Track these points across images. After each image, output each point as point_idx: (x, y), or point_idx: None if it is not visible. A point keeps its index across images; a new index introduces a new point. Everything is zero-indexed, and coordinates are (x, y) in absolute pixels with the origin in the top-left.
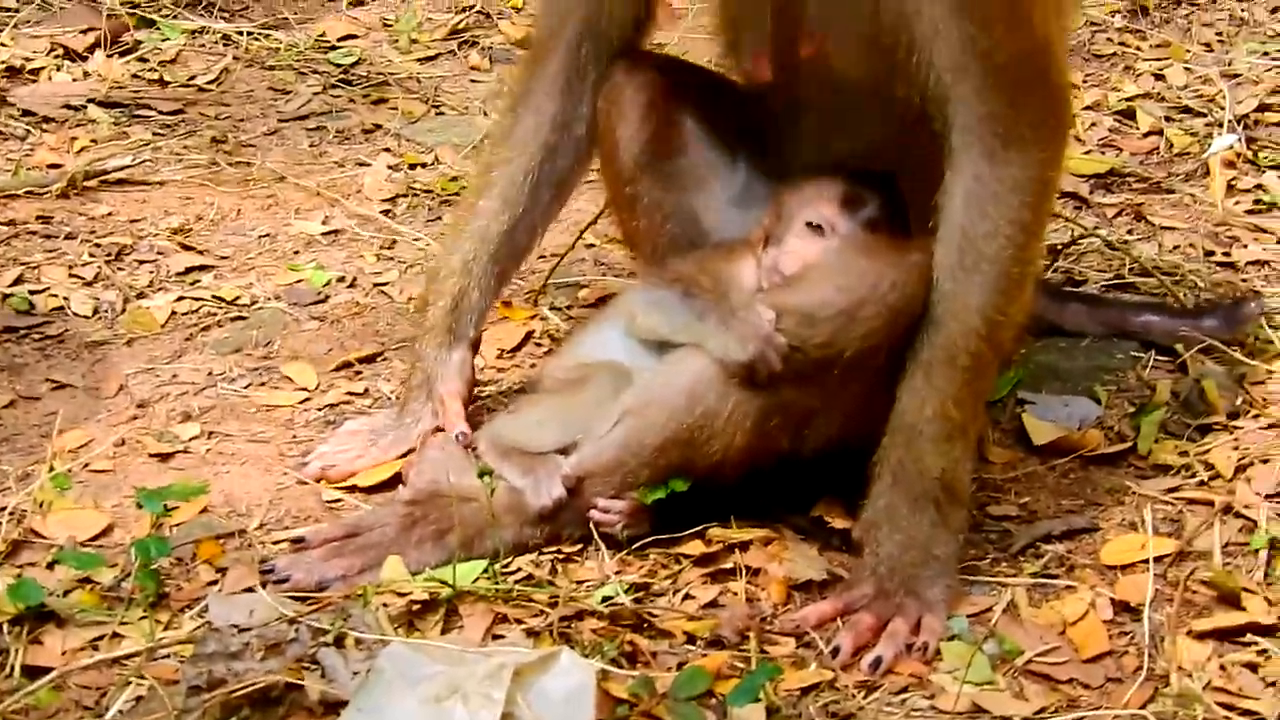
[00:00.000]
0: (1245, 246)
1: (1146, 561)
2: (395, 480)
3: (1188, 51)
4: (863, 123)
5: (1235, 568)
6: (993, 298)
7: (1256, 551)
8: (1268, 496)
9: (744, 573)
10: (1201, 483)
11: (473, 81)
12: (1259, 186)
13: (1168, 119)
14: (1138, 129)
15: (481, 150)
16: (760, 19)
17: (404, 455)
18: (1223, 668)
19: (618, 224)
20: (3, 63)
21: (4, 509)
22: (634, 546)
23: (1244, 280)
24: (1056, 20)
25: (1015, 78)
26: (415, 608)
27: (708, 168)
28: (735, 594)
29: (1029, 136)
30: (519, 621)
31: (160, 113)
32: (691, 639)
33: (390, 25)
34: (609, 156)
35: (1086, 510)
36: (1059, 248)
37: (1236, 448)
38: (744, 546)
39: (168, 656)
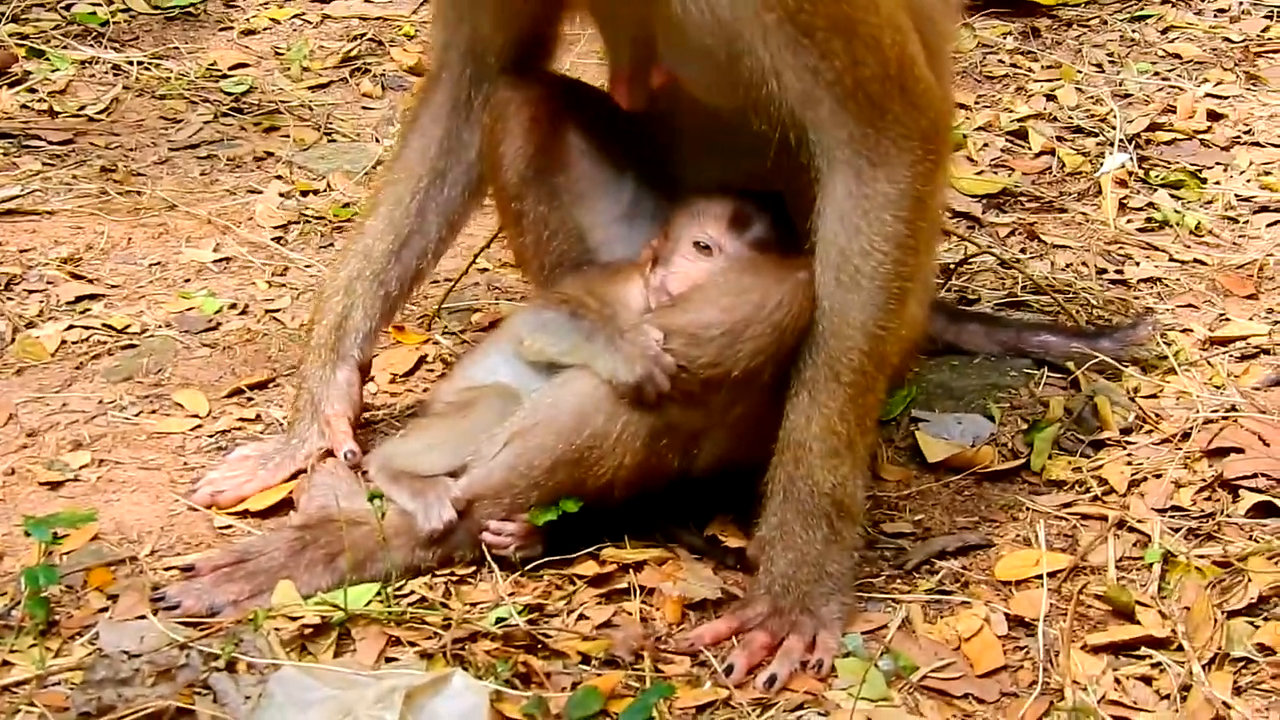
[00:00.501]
0: (1137, 264)
1: (1040, 577)
2: (287, 504)
3: (1079, 72)
4: (734, 147)
5: (1129, 582)
6: (873, 313)
7: (1150, 566)
8: (1160, 511)
9: (638, 592)
10: (1095, 498)
11: (365, 108)
12: (1150, 205)
13: (1059, 139)
14: (1030, 149)
15: (375, 176)
16: (620, 48)
17: (292, 477)
18: (1117, 681)
19: (508, 241)
20: None
21: None
22: (527, 568)
23: (1136, 298)
24: (915, 38)
25: (870, 100)
26: (307, 632)
27: (593, 184)
28: (629, 614)
29: (895, 153)
30: (412, 644)
31: (50, 143)
32: (586, 659)
33: (282, 54)
34: (494, 172)
35: (981, 526)
36: (952, 266)
37: (1129, 463)
38: (638, 566)
39: (58, 684)
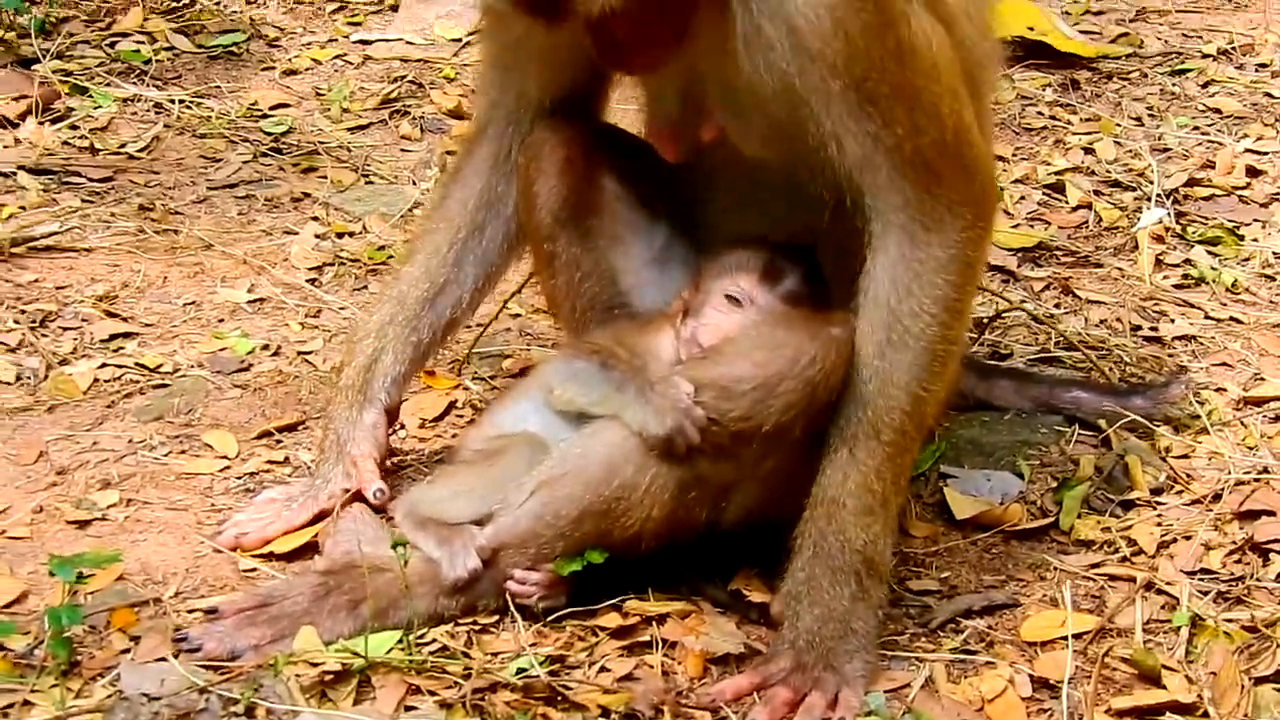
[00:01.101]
0: (1172, 321)
1: (1066, 638)
2: (312, 547)
3: (1118, 125)
4: (776, 204)
5: (1156, 645)
6: (919, 374)
7: (1178, 629)
8: (1190, 573)
9: (660, 646)
10: (1124, 559)
11: (403, 151)
12: (1187, 261)
13: (1097, 193)
14: (1067, 203)
15: (412, 220)
16: (667, 101)
17: (316, 519)
18: None
19: (539, 284)
20: None
21: None
22: (550, 618)
23: (1170, 355)
24: (971, 103)
25: (927, 166)
26: (328, 678)
27: (627, 227)
28: (651, 667)
29: (949, 218)
30: (432, 693)
31: (90, 180)
32: (606, 712)
33: (322, 94)
34: (528, 212)
35: (1007, 585)
36: (985, 321)
37: (1159, 524)
38: (661, 619)
39: None
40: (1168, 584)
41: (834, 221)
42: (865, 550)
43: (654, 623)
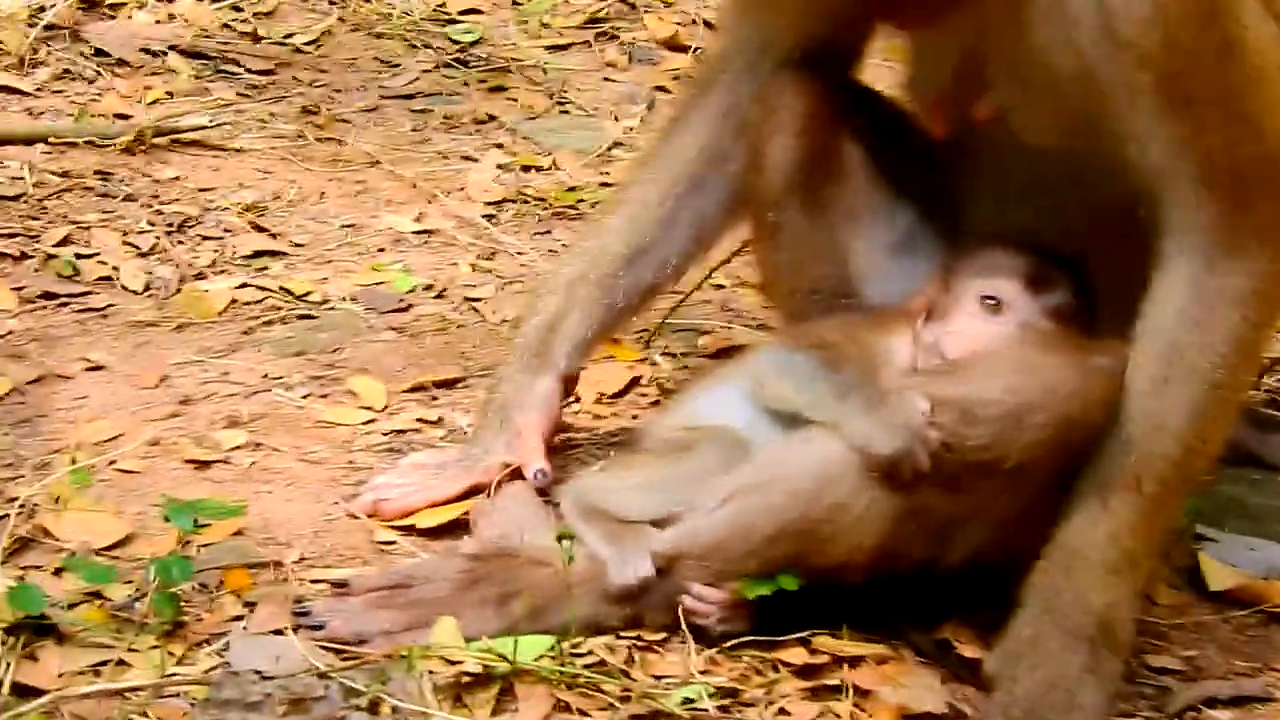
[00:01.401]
0: None
1: None
2: (459, 526)
3: None
4: (1048, 198)
5: None
6: (1195, 420)
7: None
8: None
9: (850, 692)
10: None
11: (606, 80)
12: None
13: None
14: None
15: (608, 160)
16: (940, 70)
17: (468, 493)
18: None
19: (756, 258)
20: None
21: (15, 500)
22: (727, 644)
23: None
24: None
25: (1240, 182)
26: (465, 680)
27: (868, 204)
28: (838, 716)
29: (1255, 245)
30: (582, 713)
31: (249, 71)
32: None
33: (520, 3)
34: (756, 174)
35: (1263, 675)
36: (1269, 362)
37: None
38: (854, 662)
39: (177, 695)
40: None
41: (1113, 231)
42: (1105, 614)
43: (845, 665)
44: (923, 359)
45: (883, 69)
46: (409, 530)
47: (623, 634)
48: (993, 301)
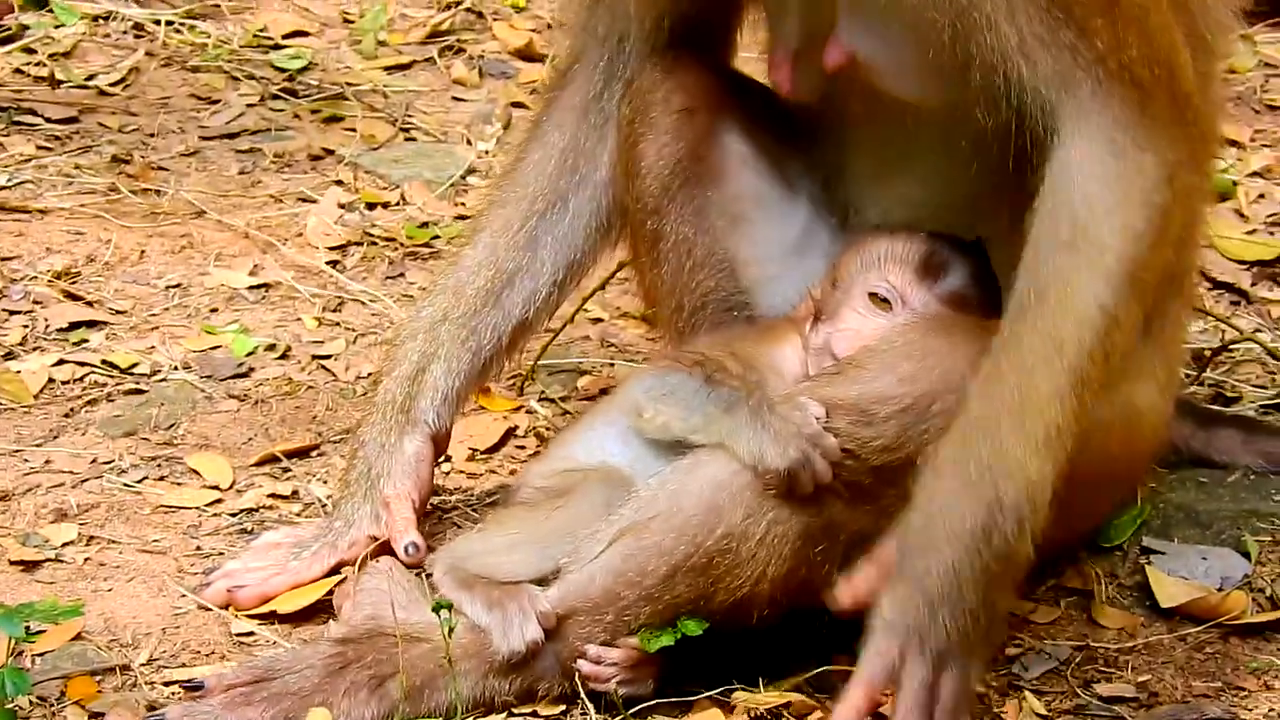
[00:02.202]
0: None
1: None
2: (325, 609)
3: None
4: (927, 160)
5: None
6: (1112, 289)
7: None
8: None
9: None
10: None
11: (455, 99)
12: None
13: None
14: None
15: (464, 190)
16: (788, 22)
17: (333, 572)
18: None
19: (635, 274)
20: None
21: None
22: (631, 710)
23: None
24: (1182, 39)
25: (1136, 85)
26: None
27: (757, 204)
28: None
29: (1164, 142)
30: None
31: (48, 120)
32: None
33: (352, 22)
34: (630, 179)
35: (1224, 695)
36: (1206, 355)
37: None
38: (775, 714)
39: None
40: None
41: (1007, 204)
42: (1029, 491)
43: (767, 718)
44: (814, 363)
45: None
46: (269, 618)
47: (516, 710)
48: (882, 294)
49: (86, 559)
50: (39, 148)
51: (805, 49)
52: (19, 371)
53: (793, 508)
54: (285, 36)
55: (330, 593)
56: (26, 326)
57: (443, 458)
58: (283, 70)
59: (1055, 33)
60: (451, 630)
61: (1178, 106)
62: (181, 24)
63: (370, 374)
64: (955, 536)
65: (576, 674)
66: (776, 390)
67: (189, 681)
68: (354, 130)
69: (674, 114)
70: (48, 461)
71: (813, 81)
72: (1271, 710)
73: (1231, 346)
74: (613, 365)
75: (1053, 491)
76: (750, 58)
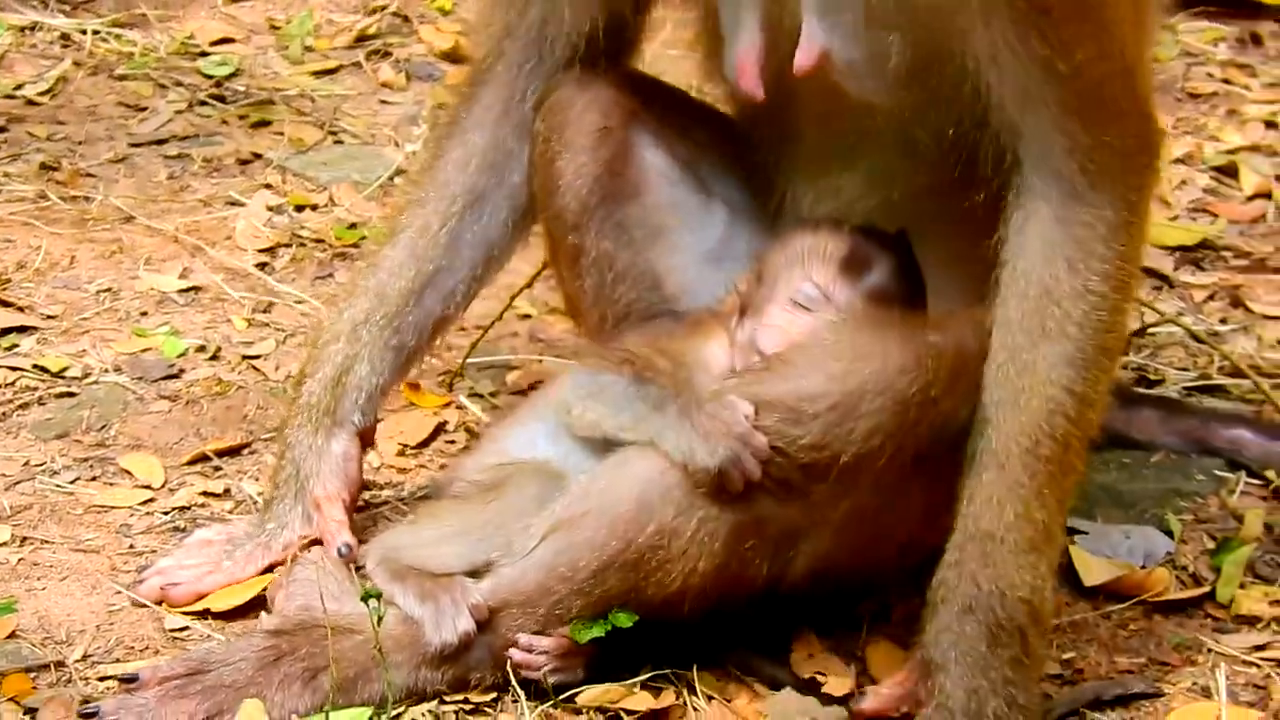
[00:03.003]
0: None
1: None
2: (259, 605)
3: None
4: (880, 164)
5: None
6: (1082, 371)
7: None
8: None
9: None
10: None
11: (383, 102)
12: None
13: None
14: (1240, 190)
15: (393, 191)
16: (743, 17)
17: (266, 571)
18: None
19: (558, 284)
20: None
21: None
22: (562, 696)
23: None
24: (1140, 36)
25: (1102, 102)
26: None
27: (676, 215)
28: None
29: (1121, 170)
30: None
31: None
32: None
33: (279, 28)
34: (548, 196)
35: (1148, 670)
36: (1129, 337)
37: None
38: (708, 698)
39: None
40: None
41: (942, 200)
42: (1032, 599)
43: (694, 708)
44: (740, 359)
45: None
46: (203, 614)
47: (447, 698)
48: (806, 292)
49: (20, 559)
50: None
51: (770, 53)
52: None
53: (723, 505)
54: (212, 44)
55: (264, 590)
56: None
57: (371, 452)
58: (210, 77)
59: (1027, 43)
60: (381, 620)
61: (1142, 115)
62: (108, 33)
63: (296, 373)
64: (965, 656)
65: (508, 663)
66: (704, 387)
67: (124, 676)
68: (282, 134)
69: (590, 133)
70: None
71: (774, 84)
72: (1195, 684)
73: (1155, 330)
74: (541, 361)
75: (1052, 585)
76: (676, 56)
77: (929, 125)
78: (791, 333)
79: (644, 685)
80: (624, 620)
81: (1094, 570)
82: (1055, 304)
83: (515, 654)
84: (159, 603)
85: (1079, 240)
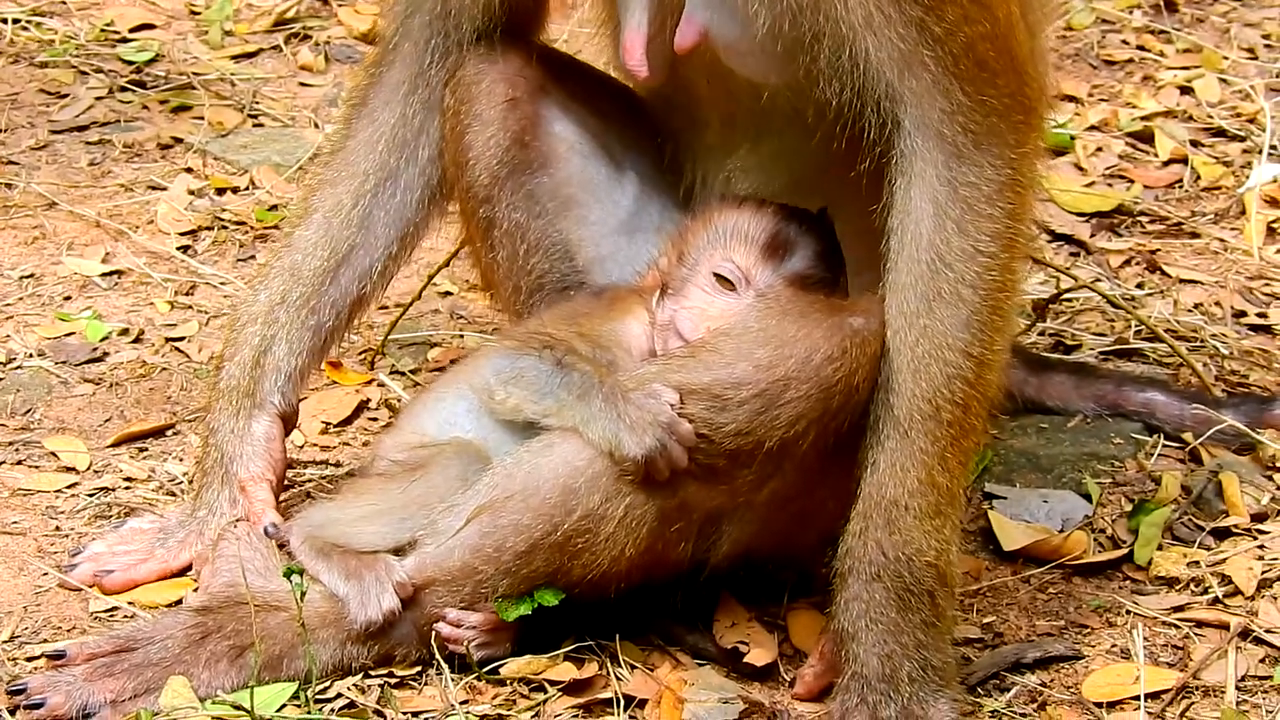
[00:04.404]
0: None
1: (1140, 697)
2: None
3: (1224, 59)
4: (774, 137)
5: (1253, 707)
6: (979, 333)
7: (1279, 687)
8: None
9: (625, 705)
10: (1215, 600)
11: (302, 85)
12: None
13: (1195, 144)
14: (1156, 156)
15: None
16: (635, 3)
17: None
18: None
19: (471, 258)
20: None
21: None
22: (486, 669)
23: None
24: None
25: (979, 64)
26: None
27: (585, 186)
28: None
29: (1003, 128)
30: None
31: None
32: None
33: (198, 13)
34: (459, 169)
35: (1067, 633)
36: (1044, 304)
37: (1260, 557)
38: (631, 667)
39: None
40: (1268, 632)
41: (850, 168)
42: (938, 562)
43: (617, 676)
44: (660, 340)
45: (588, 37)
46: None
47: (373, 672)
48: (727, 274)
49: None
50: None
51: (656, 31)
52: None
53: (648, 491)
54: (132, 30)
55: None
56: None
57: (294, 431)
58: (130, 63)
59: (902, 8)
60: (304, 595)
61: (1019, 74)
62: (28, 21)
63: (215, 356)
64: (876, 623)
65: (434, 638)
66: (626, 368)
67: (51, 653)
68: (202, 119)
69: (498, 105)
70: None
71: (663, 63)
72: (1114, 646)
73: (1071, 296)
74: (462, 337)
75: (957, 544)
76: (581, 33)
77: (815, 100)
78: (711, 314)
79: (567, 656)
80: (550, 599)
81: (1013, 535)
82: (947, 267)
83: (443, 628)
84: (91, 587)
85: (966, 201)
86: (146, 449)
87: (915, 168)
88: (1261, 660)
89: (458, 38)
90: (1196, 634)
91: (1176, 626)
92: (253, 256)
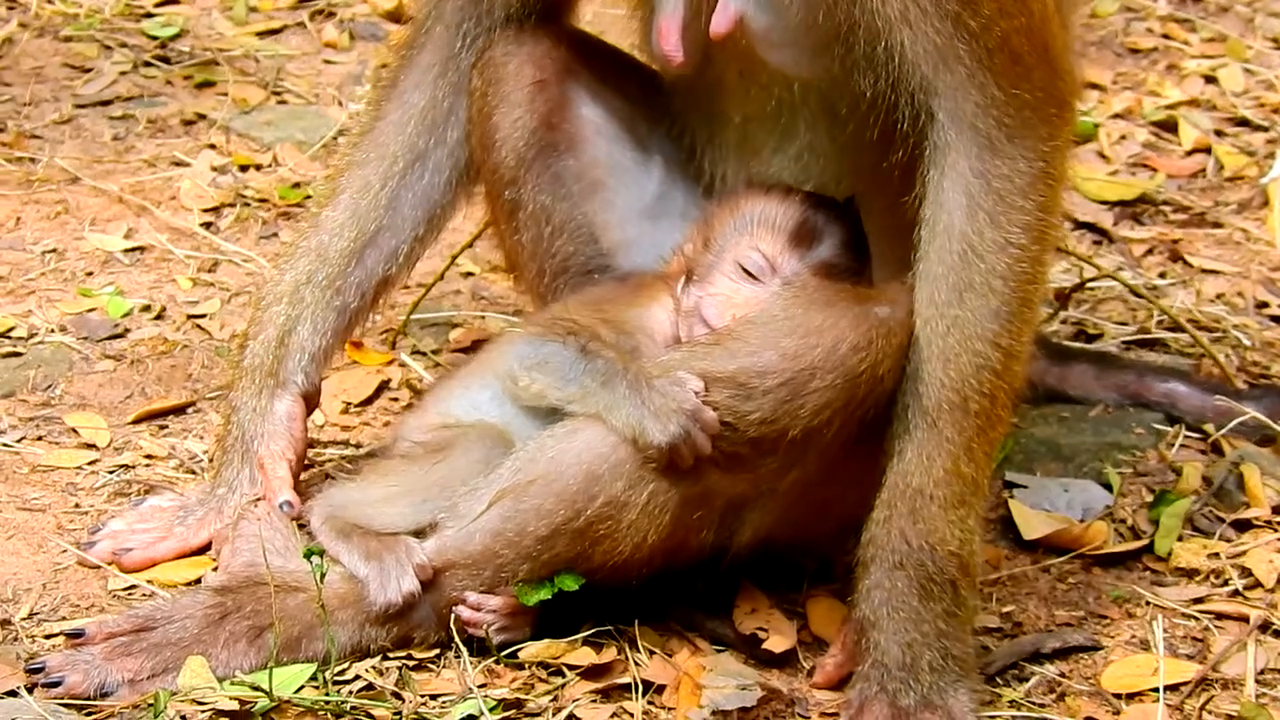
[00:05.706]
0: None
1: (1159, 689)
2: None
3: (1249, 48)
4: (803, 127)
5: (1272, 701)
6: (1007, 324)
7: None
8: None
9: (644, 690)
10: (1235, 592)
11: (326, 62)
12: None
13: (1219, 133)
14: (1180, 145)
15: (335, 150)
16: None
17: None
18: None
19: (496, 240)
20: None
21: None
22: (505, 653)
23: None
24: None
25: (1013, 58)
26: None
27: (611, 170)
28: (631, 715)
29: (1035, 121)
30: None
31: None
32: None
33: None
34: (486, 150)
35: (1086, 623)
36: (1067, 292)
37: None
38: (650, 653)
39: None
40: None
41: (880, 161)
42: (961, 552)
43: (635, 661)
44: (685, 327)
45: (610, 17)
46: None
47: (391, 655)
48: (753, 262)
49: None
50: None
51: (691, 16)
52: None
53: (671, 478)
54: (157, 5)
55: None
56: None
57: (315, 412)
58: (155, 38)
59: (939, 1)
60: (324, 577)
61: (1053, 68)
62: None
63: (239, 334)
64: (897, 611)
65: (453, 621)
66: (650, 354)
67: (70, 631)
68: (226, 95)
69: (526, 86)
70: None
71: (697, 49)
72: (1133, 637)
73: (1094, 285)
74: (484, 318)
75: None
76: (617, 15)
77: (848, 91)
78: (737, 301)
79: (586, 641)
80: (570, 584)
81: (1033, 524)
82: (979, 258)
83: (463, 611)
84: (110, 564)
85: (999, 193)
86: (167, 426)
87: (948, 160)
88: None
89: (490, 22)
90: (1216, 626)
91: (1196, 618)
92: (275, 234)
